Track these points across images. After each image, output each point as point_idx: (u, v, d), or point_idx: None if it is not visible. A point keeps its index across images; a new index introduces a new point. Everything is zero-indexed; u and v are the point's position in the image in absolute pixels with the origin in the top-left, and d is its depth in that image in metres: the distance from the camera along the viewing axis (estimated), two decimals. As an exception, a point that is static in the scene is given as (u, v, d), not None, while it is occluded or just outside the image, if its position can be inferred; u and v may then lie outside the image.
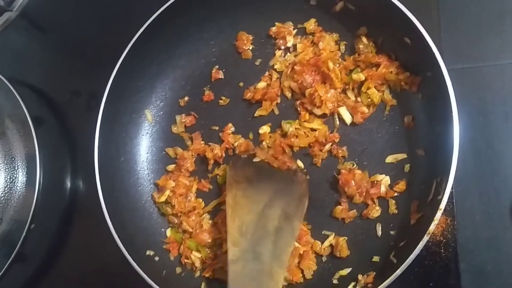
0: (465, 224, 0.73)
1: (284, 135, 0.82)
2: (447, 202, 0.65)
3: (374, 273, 0.71)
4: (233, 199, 0.78)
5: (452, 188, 0.65)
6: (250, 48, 0.89)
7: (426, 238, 0.64)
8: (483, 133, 0.76)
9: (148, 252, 0.82)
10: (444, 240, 0.73)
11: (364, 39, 0.80)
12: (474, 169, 0.76)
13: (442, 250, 0.73)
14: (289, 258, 0.71)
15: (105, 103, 0.84)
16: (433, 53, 0.68)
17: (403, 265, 0.64)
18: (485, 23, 0.80)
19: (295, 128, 0.81)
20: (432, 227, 0.64)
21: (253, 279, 0.70)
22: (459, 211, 0.73)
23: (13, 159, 1.00)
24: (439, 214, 0.64)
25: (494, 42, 0.79)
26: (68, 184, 0.98)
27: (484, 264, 0.72)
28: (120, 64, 0.85)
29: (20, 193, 0.98)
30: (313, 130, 0.81)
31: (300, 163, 0.80)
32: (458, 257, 0.72)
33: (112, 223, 0.78)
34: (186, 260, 0.81)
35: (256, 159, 0.80)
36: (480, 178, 0.75)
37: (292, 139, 0.80)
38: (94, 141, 0.83)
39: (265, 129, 0.84)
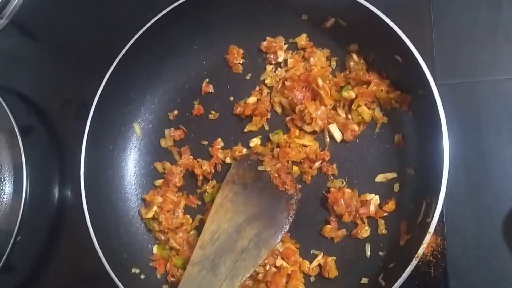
0: (456, 241, 0.72)
1: (277, 146, 0.81)
2: (437, 221, 0.64)
3: (363, 295, 0.70)
4: (222, 199, 0.78)
5: (442, 206, 0.64)
6: (241, 62, 0.88)
7: (414, 262, 0.63)
8: (476, 149, 0.75)
9: (134, 270, 0.81)
10: (434, 260, 0.72)
11: (355, 56, 0.79)
12: (466, 185, 0.75)
13: (432, 270, 0.72)
14: (241, 283, 0.71)
15: (93, 114, 0.83)
16: (424, 72, 0.68)
17: (391, 288, 0.63)
18: (479, 38, 0.79)
19: (285, 141, 0.80)
20: (421, 251, 0.63)
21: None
22: (449, 228, 0.72)
23: (0, 169, 0.98)
24: (428, 237, 0.63)
25: (487, 57, 0.78)
26: (56, 194, 0.96)
27: (475, 281, 0.71)
28: (110, 75, 0.84)
29: (6, 204, 0.97)
30: (304, 146, 0.80)
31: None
32: (448, 277, 0.71)
33: (97, 240, 0.76)
34: (172, 279, 0.80)
35: (260, 168, 0.79)
36: (472, 194, 0.74)
37: (287, 150, 0.79)
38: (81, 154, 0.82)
39: (255, 141, 0.84)
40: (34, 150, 0.96)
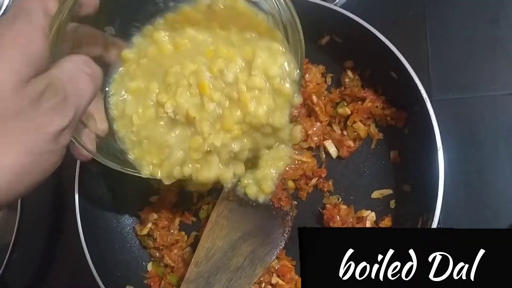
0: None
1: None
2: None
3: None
4: (218, 216, 0.76)
5: (439, 223, 0.64)
6: (238, 78, 0.87)
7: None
8: (474, 165, 0.76)
9: (128, 287, 0.80)
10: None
11: (350, 73, 0.79)
12: (464, 202, 0.75)
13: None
14: None
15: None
16: (418, 89, 0.68)
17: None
18: (476, 53, 0.80)
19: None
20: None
21: None
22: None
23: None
24: (424, 255, 0.62)
25: (484, 73, 0.78)
26: (51, 210, 0.95)
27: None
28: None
29: (1, 219, 0.97)
30: (302, 162, 0.80)
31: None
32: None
33: (90, 256, 0.75)
34: (166, 297, 0.79)
35: None
36: (470, 211, 0.74)
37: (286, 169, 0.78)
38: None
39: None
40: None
